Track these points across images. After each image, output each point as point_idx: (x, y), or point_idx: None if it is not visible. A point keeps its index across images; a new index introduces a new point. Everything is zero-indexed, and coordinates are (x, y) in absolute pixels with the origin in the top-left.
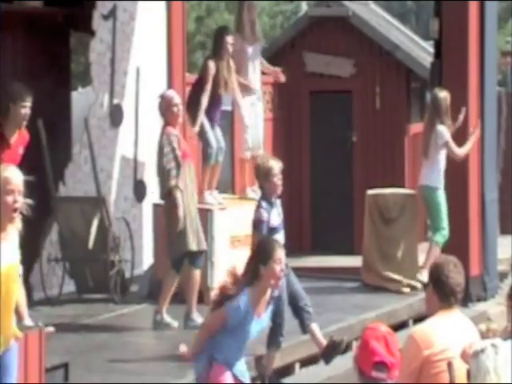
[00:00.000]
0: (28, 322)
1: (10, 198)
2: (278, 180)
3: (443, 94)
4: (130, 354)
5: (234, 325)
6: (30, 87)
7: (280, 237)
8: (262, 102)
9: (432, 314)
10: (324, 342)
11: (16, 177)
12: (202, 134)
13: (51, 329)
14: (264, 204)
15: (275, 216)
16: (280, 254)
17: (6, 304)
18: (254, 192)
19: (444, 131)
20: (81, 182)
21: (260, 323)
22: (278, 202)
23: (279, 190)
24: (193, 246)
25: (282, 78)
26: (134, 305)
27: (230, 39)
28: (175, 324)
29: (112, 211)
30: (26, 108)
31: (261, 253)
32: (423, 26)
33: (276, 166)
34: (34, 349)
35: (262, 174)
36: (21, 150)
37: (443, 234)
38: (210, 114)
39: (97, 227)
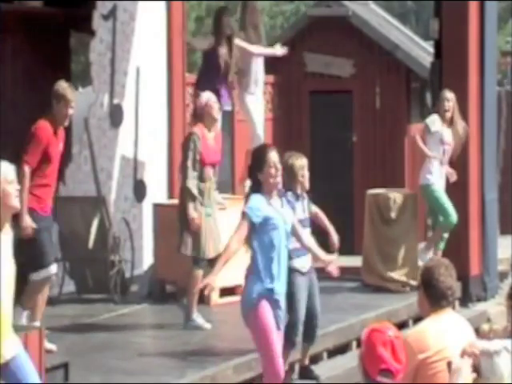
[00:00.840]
0: (37, 323)
1: (11, 188)
2: (307, 173)
3: (450, 95)
4: (130, 354)
5: (259, 222)
6: (30, 87)
7: (306, 233)
8: (263, 103)
9: (425, 316)
10: (306, 362)
11: (12, 168)
12: None
13: (53, 348)
14: (289, 193)
15: (299, 209)
16: (274, 157)
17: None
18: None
19: (432, 120)
20: (81, 182)
21: (284, 212)
22: (306, 199)
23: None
24: (208, 254)
25: (283, 51)
26: (134, 305)
27: (226, 20)
28: (207, 325)
29: (112, 211)
30: (67, 108)
31: (255, 162)
32: (423, 26)
33: (305, 161)
34: (34, 349)
35: (300, 170)
36: (61, 147)
37: (450, 221)
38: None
39: (97, 227)
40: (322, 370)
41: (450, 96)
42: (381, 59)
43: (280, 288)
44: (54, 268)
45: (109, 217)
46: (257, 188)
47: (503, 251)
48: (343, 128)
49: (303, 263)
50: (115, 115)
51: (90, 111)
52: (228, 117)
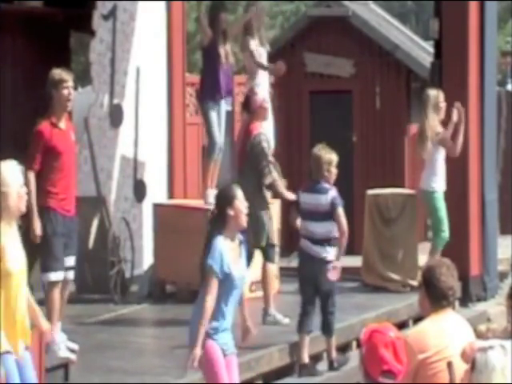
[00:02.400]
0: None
1: (23, 191)
2: (335, 170)
3: (433, 92)
4: (130, 354)
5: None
6: (30, 87)
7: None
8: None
9: (426, 316)
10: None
11: (18, 171)
12: (205, 124)
13: (75, 347)
14: (334, 188)
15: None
16: (241, 194)
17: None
18: None
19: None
20: (81, 182)
21: (241, 266)
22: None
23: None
24: (263, 242)
25: (283, 69)
26: (134, 305)
27: (223, 16)
28: (286, 321)
29: (112, 211)
30: (67, 88)
31: (224, 197)
32: (423, 26)
33: (335, 157)
34: (34, 349)
35: (326, 164)
36: (73, 137)
37: (442, 237)
38: (213, 90)
39: (97, 227)
40: (321, 369)
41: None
42: (381, 59)
43: (226, 324)
44: (59, 275)
45: (109, 217)
46: (221, 226)
47: (503, 251)
48: (343, 128)
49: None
50: (115, 115)
51: (90, 111)
52: (228, 117)
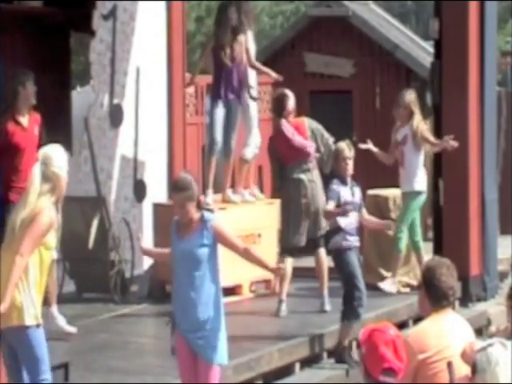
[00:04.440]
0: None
1: (65, 174)
2: (345, 164)
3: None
4: (130, 354)
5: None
6: None
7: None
8: (257, 102)
9: (425, 316)
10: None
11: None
12: (209, 122)
13: (73, 330)
14: (335, 181)
15: (347, 193)
16: (183, 185)
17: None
18: (251, 195)
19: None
20: (81, 182)
21: (185, 244)
22: (357, 188)
23: (348, 172)
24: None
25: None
26: (134, 305)
27: (231, 12)
28: (282, 314)
29: (112, 211)
30: (32, 85)
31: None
32: (423, 26)
33: (347, 150)
34: None
35: (334, 155)
36: (36, 131)
37: (399, 238)
38: (218, 88)
39: (97, 227)
40: (321, 369)
41: (401, 100)
42: (381, 59)
43: (187, 322)
44: None
45: (109, 217)
46: None
47: (503, 251)
48: (343, 128)
49: (354, 241)
50: (115, 115)
51: (89, 111)
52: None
